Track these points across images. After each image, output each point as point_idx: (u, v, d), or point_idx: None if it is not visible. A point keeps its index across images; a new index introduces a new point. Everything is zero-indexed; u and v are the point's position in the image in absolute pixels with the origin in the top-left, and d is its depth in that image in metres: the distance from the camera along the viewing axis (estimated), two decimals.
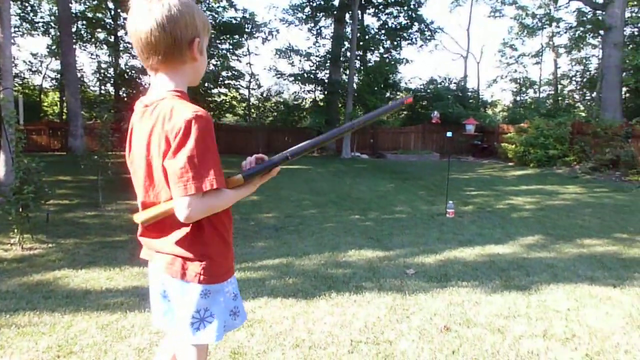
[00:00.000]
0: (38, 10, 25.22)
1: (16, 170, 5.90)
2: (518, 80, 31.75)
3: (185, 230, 1.60)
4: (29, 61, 26.42)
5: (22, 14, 24.36)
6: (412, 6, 25.17)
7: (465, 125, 20.66)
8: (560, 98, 29.31)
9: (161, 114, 1.50)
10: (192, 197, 1.44)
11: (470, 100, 26.59)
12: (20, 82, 25.39)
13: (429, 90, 26.33)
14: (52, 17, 24.88)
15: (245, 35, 24.86)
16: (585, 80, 28.91)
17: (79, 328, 3.40)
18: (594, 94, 25.18)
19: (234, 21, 24.12)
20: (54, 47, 25.61)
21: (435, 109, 21.94)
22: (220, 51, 23.99)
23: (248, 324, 3.47)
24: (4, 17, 9.02)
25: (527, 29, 29.20)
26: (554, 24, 27.18)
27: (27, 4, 24.23)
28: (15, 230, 5.82)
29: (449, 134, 9.80)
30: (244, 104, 27.36)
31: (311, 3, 25.14)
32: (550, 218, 7.90)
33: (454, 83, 27.56)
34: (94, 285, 4.43)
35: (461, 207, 8.72)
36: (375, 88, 22.52)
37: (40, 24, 25.56)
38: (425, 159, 20.94)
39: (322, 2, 25.00)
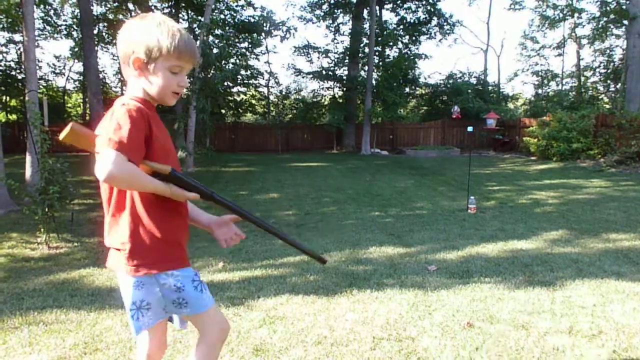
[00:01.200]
0: (61, 14, 25.65)
1: (41, 170, 6.02)
2: (539, 73, 31.22)
3: (117, 223, 1.76)
4: (53, 63, 26.94)
5: (45, 17, 24.79)
6: (430, 0, 24.95)
7: (486, 120, 20.43)
8: (583, 90, 28.76)
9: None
10: (116, 153, 1.51)
11: (491, 94, 26.27)
12: (45, 85, 25.88)
13: (448, 85, 26.09)
14: (74, 20, 25.28)
15: (263, 34, 24.94)
16: (609, 71, 28.30)
17: (104, 325, 3.46)
18: (619, 86, 24.66)
19: (252, 20, 24.23)
20: (76, 50, 26.03)
21: (455, 104, 21.76)
22: (239, 50, 24.12)
23: (270, 321, 3.49)
24: (27, 21, 9.19)
25: (548, 20, 28.68)
26: (576, 14, 26.66)
27: (50, 8, 24.65)
28: (42, 230, 5.94)
29: (469, 128, 9.69)
30: (263, 102, 27.48)
31: (329, 0, 25.09)
32: (574, 212, 7.76)
33: (474, 77, 27.28)
34: (117, 283, 4.49)
35: (483, 203, 8.63)
36: (394, 84, 22.42)
37: (63, 27, 26.01)
38: (446, 154, 20.76)
39: None
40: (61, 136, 1.59)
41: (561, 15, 27.89)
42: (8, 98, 23.39)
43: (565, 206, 8.36)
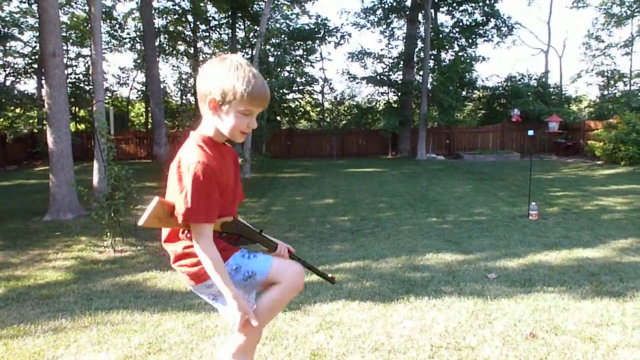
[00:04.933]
0: (125, 27, 26.89)
1: (108, 177, 6.31)
2: (605, 73, 29.77)
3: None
4: (117, 75, 28.25)
5: (111, 32, 26.06)
6: (487, 2, 24.36)
7: (548, 123, 19.70)
8: None
9: (185, 146, 1.92)
10: (202, 228, 1.83)
11: (553, 97, 25.29)
12: (110, 95, 27.14)
13: (507, 88, 25.36)
14: (137, 33, 26.43)
15: (318, 41, 25.15)
16: None
17: (167, 327, 3.57)
18: None
19: (307, 27, 24.49)
20: (139, 61, 27.19)
21: (514, 107, 21.13)
22: (294, 57, 24.44)
23: (327, 326, 3.50)
24: (95, 35, 9.69)
25: (614, 18, 27.37)
26: None
27: (115, 22, 25.90)
28: (108, 234, 6.22)
29: (530, 132, 9.38)
30: (317, 109, 27.67)
31: (383, 5, 24.99)
32: None
33: (534, 79, 26.34)
34: (179, 286, 4.63)
35: (545, 209, 8.32)
36: (451, 87, 21.99)
37: (127, 40, 27.25)
38: (505, 158, 20.16)
39: (394, 3, 24.79)
40: (143, 219, 1.84)
41: (629, 12, 26.56)
42: (77, 109, 24.69)
43: (635, 213, 7.93)
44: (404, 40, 24.79)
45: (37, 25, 18.64)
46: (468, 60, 23.64)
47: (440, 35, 24.11)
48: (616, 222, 7.27)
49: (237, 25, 24.60)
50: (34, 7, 20.30)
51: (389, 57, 25.75)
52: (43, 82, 10.00)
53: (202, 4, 23.82)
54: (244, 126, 1.88)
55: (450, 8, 25.56)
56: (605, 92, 29.78)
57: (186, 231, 1.91)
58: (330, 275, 2.39)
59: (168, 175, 1.94)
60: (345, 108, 27.33)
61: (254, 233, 2.09)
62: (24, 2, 21.89)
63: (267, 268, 2.03)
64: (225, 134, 1.90)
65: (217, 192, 1.84)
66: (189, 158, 1.80)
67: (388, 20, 25.76)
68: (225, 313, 2.08)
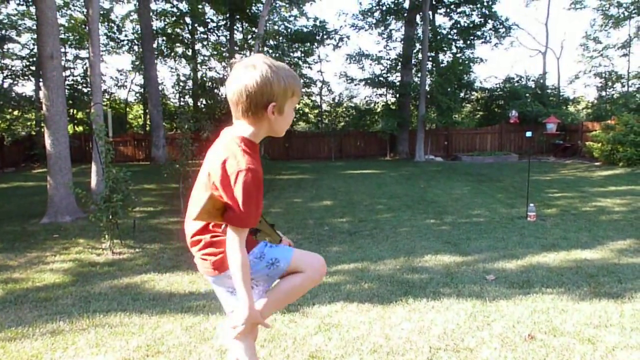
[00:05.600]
0: (123, 29, 26.86)
1: (106, 179, 6.30)
2: (603, 75, 29.84)
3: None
4: (116, 77, 28.19)
5: (108, 34, 26.04)
6: (485, 3, 24.41)
7: (546, 124, 19.72)
8: None
9: (226, 149, 1.84)
10: (242, 235, 1.84)
11: (551, 98, 25.34)
12: (108, 97, 27.08)
13: (505, 89, 25.40)
14: (135, 35, 26.40)
15: (316, 43, 25.16)
16: None
17: (165, 329, 3.57)
18: None
19: (305, 29, 24.50)
20: (137, 63, 27.16)
21: (512, 108, 21.17)
22: (292, 59, 24.43)
23: (325, 328, 3.49)
24: (93, 37, 9.68)
25: (612, 19, 27.43)
26: None
27: (113, 24, 25.88)
28: (106, 236, 6.21)
29: (528, 133, 9.38)
30: (316, 111, 27.67)
31: (381, 7, 25.02)
32: None
33: (532, 80, 26.40)
34: (177, 288, 4.63)
35: (543, 210, 8.33)
36: (449, 89, 22.02)
37: (125, 42, 27.22)
38: (503, 160, 20.20)
39: (392, 5, 24.81)
40: (196, 213, 1.84)
41: (626, 13, 26.62)
42: (75, 111, 24.62)
43: (633, 214, 7.94)
44: (402, 42, 24.82)
45: (34, 27, 18.59)
46: (466, 62, 23.68)
47: (438, 37, 24.15)
48: (614, 223, 7.27)
49: (235, 27, 24.59)
50: (32, 9, 20.26)
51: (387, 59, 25.78)
52: (41, 84, 9.98)
53: (200, 6, 23.79)
54: (291, 119, 1.94)
55: (448, 10, 25.61)
56: (603, 94, 29.86)
57: (213, 224, 1.95)
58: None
59: (201, 174, 1.94)
60: (344, 110, 27.34)
61: (265, 224, 2.17)
62: (22, 4, 21.86)
63: (289, 256, 2.06)
64: (278, 132, 1.92)
65: (261, 196, 1.88)
66: (238, 164, 1.77)
67: (386, 22, 25.79)
68: (234, 313, 2.09)
